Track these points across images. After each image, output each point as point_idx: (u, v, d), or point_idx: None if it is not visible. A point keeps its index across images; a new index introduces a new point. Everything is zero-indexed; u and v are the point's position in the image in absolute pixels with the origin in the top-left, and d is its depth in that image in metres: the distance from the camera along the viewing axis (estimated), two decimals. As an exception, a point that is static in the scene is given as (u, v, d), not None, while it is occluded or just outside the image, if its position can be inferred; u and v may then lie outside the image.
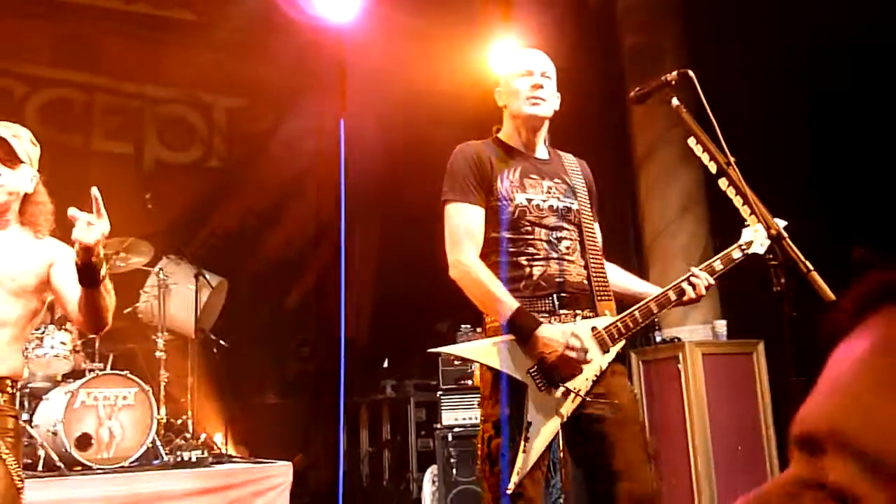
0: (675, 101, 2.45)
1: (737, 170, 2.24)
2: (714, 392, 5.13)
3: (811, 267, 2.01)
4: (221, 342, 6.04)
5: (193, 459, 4.90)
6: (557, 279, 2.60)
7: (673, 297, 2.63)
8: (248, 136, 8.05)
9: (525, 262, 2.60)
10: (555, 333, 2.45)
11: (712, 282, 2.66)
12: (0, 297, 2.45)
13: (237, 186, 7.85)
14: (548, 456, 2.52)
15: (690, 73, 2.39)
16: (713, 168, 2.30)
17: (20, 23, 6.79)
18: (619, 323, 2.58)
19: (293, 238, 8.06)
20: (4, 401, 2.45)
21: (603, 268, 2.73)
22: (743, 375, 5.26)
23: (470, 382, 5.65)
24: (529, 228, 2.63)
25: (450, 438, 5.47)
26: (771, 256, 2.10)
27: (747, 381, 5.25)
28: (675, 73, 2.45)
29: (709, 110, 2.30)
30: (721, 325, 5.49)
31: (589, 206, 2.80)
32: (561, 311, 2.58)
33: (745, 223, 2.62)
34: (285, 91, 7.66)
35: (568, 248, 2.66)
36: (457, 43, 6.17)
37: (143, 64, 7.41)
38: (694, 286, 2.62)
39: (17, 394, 2.55)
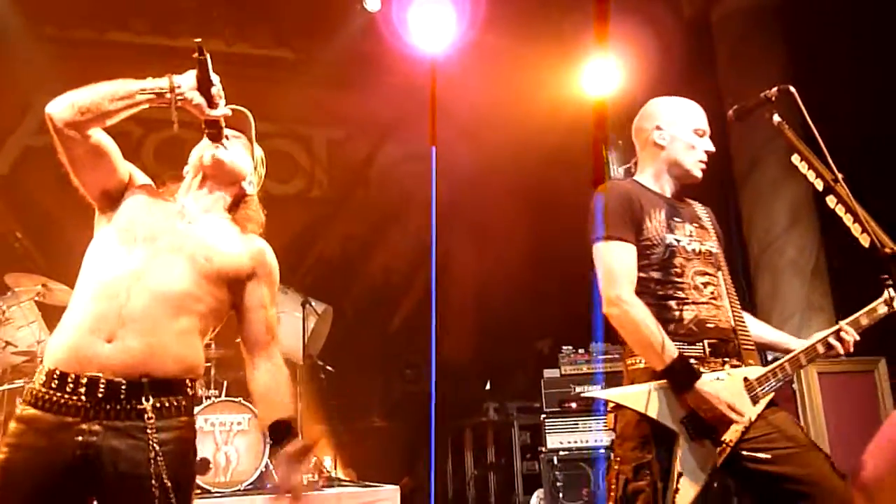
0: (776, 118, 2.37)
1: (845, 186, 2.15)
2: (834, 414, 4.88)
3: (930, 287, 1.91)
4: (328, 367, 6.19)
5: (304, 483, 5.01)
6: (708, 325, 2.50)
7: (821, 349, 2.55)
8: (347, 166, 8.30)
9: (675, 306, 2.50)
10: (716, 390, 2.35)
11: (857, 338, 2.59)
12: (190, 276, 2.03)
13: (339, 215, 8.11)
14: None
15: (791, 88, 2.31)
16: (819, 185, 2.22)
17: (129, 71, 7.20)
18: (769, 374, 2.48)
19: (395, 263, 8.22)
20: (184, 406, 1.97)
21: (742, 316, 2.62)
22: (864, 395, 4.98)
23: (574, 405, 5.58)
24: (679, 270, 2.53)
25: (555, 462, 5.42)
26: (887, 276, 2.01)
27: (870, 401, 4.97)
28: (775, 89, 2.37)
29: (812, 126, 2.22)
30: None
31: (721, 252, 2.70)
32: (711, 359, 2.48)
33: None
34: (382, 120, 7.85)
35: (713, 293, 2.56)
36: (549, 64, 6.17)
37: (245, 101, 7.64)
38: (842, 341, 2.55)
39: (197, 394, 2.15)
